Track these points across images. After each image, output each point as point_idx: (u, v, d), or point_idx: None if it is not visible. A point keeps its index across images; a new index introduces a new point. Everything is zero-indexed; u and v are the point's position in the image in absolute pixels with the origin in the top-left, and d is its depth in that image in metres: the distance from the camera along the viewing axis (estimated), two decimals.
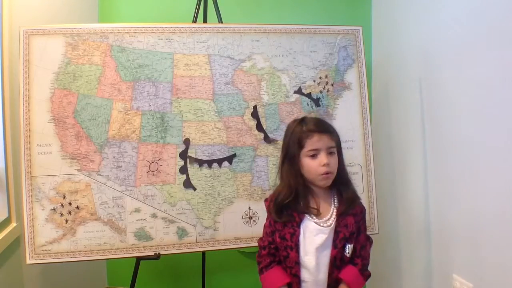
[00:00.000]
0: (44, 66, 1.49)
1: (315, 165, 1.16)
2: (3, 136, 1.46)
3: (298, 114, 1.66)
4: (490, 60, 1.28)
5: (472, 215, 1.38)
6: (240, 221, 1.61)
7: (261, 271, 1.25)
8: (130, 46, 1.55)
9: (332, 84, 1.70)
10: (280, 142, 1.63)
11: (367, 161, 1.69)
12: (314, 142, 1.16)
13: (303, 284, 1.19)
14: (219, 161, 1.60)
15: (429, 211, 1.67)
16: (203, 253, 1.96)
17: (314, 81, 1.68)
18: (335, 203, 1.21)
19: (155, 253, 1.54)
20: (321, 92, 1.69)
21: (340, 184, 1.22)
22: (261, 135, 1.63)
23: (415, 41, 1.76)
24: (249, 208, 1.62)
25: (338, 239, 1.17)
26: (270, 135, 1.64)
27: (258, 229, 1.62)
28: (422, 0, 1.71)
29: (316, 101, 1.68)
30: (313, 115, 1.26)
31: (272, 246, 1.24)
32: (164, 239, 1.55)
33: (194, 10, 1.80)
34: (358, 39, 1.73)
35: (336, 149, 1.20)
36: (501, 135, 1.24)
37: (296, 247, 1.18)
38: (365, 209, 1.26)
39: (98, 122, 1.52)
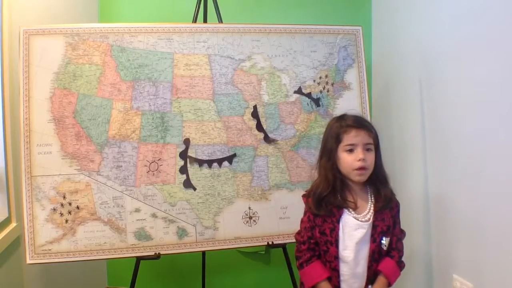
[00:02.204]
0: (44, 66, 1.49)
1: (351, 160, 1.19)
2: (3, 136, 1.46)
3: (298, 114, 1.66)
4: (490, 59, 1.28)
5: (473, 215, 1.38)
6: (240, 221, 1.61)
7: (301, 266, 1.26)
8: (130, 46, 1.55)
9: (332, 84, 1.70)
10: (280, 142, 1.64)
11: None
12: (351, 137, 1.19)
13: (341, 278, 1.22)
14: (219, 161, 1.60)
15: (429, 211, 1.67)
16: (203, 253, 1.96)
17: (314, 81, 1.68)
18: (372, 199, 1.24)
19: (155, 253, 1.54)
20: (321, 92, 1.69)
21: (377, 180, 1.24)
22: (261, 135, 1.63)
23: (415, 41, 1.76)
24: (249, 208, 1.62)
25: (376, 233, 1.20)
26: (270, 135, 1.64)
27: (258, 229, 1.62)
28: (422, 0, 1.71)
29: (316, 101, 1.68)
30: (353, 112, 1.28)
31: (312, 241, 1.25)
32: (164, 239, 1.55)
33: (194, 10, 1.79)
34: (358, 39, 1.73)
35: (374, 146, 1.22)
36: (501, 135, 1.24)
37: (336, 242, 1.20)
38: (399, 203, 1.28)
39: (98, 122, 1.52)
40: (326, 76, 1.69)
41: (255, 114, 1.63)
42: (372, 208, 1.22)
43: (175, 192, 1.56)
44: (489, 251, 1.30)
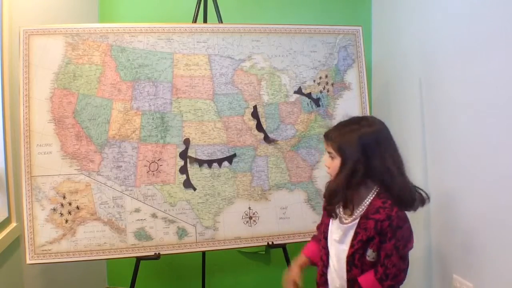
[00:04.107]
0: (44, 66, 1.49)
1: None
2: (3, 136, 1.46)
3: (298, 114, 1.66)
4: (490, 59, 1.28)
5: (472, 215, 1.38)
6: (240, 221, 1.61)
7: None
8: (130, 46, 1.55)
9: (332, 84, 1.70)
10: (280, 142, 1.64)
11: None
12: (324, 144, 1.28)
13: (329, 270, 1.27)
14: (219, 161, 1.60)
15: (429, 211, 1.67)
16: (203, 253, 1.96)
17: (314, 81, 1.68)
18: (366, 205, 1.20)
19: (155, 253, 1.54)
20: (321, 92, 1.69)
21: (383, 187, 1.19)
22: (261, 135, 1.63)
23: (415, 41, 1.76)
24: (249, 208, 1.62)
25: (356, 240, 1.18)
26: (270, 135, 1.64)
27: (258, 229, 1.62)
28: (422, 0, 1.71)
29: (316, 101, 1.68)
30: (345, 117, 1.29)
31: (320, 226, 1.38)
32: (164, 239, 1.55)
33: (194, 10, 1.79)
34: (358, 39, 1.73)
35: (339, 155, 1.20)
36: (501, 135, 1.24)
37: (324, 234, 1.29)
38: (395, 219, 1.14)
39: (98, 122, 1.52)
40: (326, 76, 1.69)
41: (255, 114, 1.63)
42: (360, 213, 1.19)
43: (175, 192, 1.56)
44: (489, 251, 1.30)
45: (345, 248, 1.20)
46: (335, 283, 1.24)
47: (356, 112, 1.69)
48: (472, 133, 1.37)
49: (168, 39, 1.58)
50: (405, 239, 1.17)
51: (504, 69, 1.22)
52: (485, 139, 1.31)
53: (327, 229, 1.28)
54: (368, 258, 1.18)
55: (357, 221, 1.19)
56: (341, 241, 1.22)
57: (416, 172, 1.76)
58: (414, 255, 1.78)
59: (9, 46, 1.49)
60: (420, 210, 1.72)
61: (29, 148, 1.47)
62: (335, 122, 1.58)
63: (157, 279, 2.29)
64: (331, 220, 1.27)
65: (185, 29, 1.60)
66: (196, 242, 1.58)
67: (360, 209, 1.20)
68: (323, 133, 1.28)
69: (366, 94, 1.72)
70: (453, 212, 1.50)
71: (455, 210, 1.48)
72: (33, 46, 1.49)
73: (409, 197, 1.18)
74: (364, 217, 1.18)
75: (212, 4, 1.80)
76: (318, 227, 1.40)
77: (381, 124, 1.25)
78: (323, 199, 1.31)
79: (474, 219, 1.37)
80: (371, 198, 1.20)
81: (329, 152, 1.24)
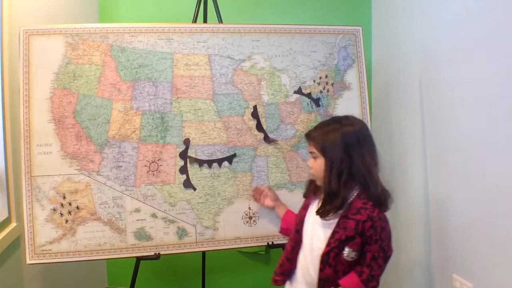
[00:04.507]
0: (44, 66, 1.49)
1: None
2: (3, 136, 1.46)
3: (298, 114, 1.66)
4: (490, 60, 1.29)
5: (472, 214, 1.38)
6: (240, 221, 1.61)
7: None
8: (130, 46, 1.55)
9: (332, 84, 1.70)
10: (280, 142, 1.64)
11: None
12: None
13: (298, 265, 1.28)
14: (219, 161, 1.60)
15: (429, 211, 1.67)
16: (203, 253, 1.96)
17: (314, 81, 1.68)
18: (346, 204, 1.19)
19: (155, 253, 1.54)
20: (321, 92, 1.69)
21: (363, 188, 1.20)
22: (261, 135, 1.63)
23: (415, 41, 1.77)
24: (249, 208, 1.62)
25: (333, 239, 1.17)
26: (270, 135, 1.64)
27: (258, 229, 1.62)
28: (422, 0, 1.71)
29: (316, 101, 1.68)
30: (327, 117, 1.30)
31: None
32: (164, 239, 1.55)
33: (194, 10, 1.80)
34: (358, 39, 1.73)
35: (321, 154, 1.20)
36: (500, 135, 1.24)
37: (297, 226, 1.30)
38: (377, 221, 1.15)
39: (98, 122, 1.52)
40: (326, 76, 1.69)
41: (255, 114, 1.63)
42: (339, 211, 1.18)
43: (175, 192, 1.56)
44: (489, 251, 1.30)
45: (320, 246, 1.19)
46: (306, 278, 1.24)
47: (356, 112, 1.69)
48: (472, 133, 1.37)
49: (168, 39, 1.58)
50: (388, 239, 1.19)
51: (504, 69, 1.22)
52: (485, 138, 1.31)
53: (302, 223, 1.28)
54: (346, 258, 1.16)
55: (336, 220, 1.18)
56: (317, 238, 1.21)
57: (416, 172, 1.76)
58: (414, 255, 1.79)
59: (9, 46, 1.49)
60: (420, 210, 1.73)
61: (29, 148, 1.47)
62: None
63: (157, 279, 2.29)
64: (308, 214, 1.27)
65: (185, 29, 1.60)
66: (196, 242, 1.58)
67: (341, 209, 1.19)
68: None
69: (366, 94, 1.72)
70: (453, 211, 1.50)
71: (455, 209, 1.48)
72: (33, 46, 1.49)
73: (386, 197, 1.20)
74: (344, 216, 1.17)
75: (212, 4, 1.80)
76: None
77: (362, 124, 1.25)
78: (305, 198, 1.35)
79: (474, 219, 1.37)
80: (352, 198, 1.19)
81: (311, 152, 1.24)
